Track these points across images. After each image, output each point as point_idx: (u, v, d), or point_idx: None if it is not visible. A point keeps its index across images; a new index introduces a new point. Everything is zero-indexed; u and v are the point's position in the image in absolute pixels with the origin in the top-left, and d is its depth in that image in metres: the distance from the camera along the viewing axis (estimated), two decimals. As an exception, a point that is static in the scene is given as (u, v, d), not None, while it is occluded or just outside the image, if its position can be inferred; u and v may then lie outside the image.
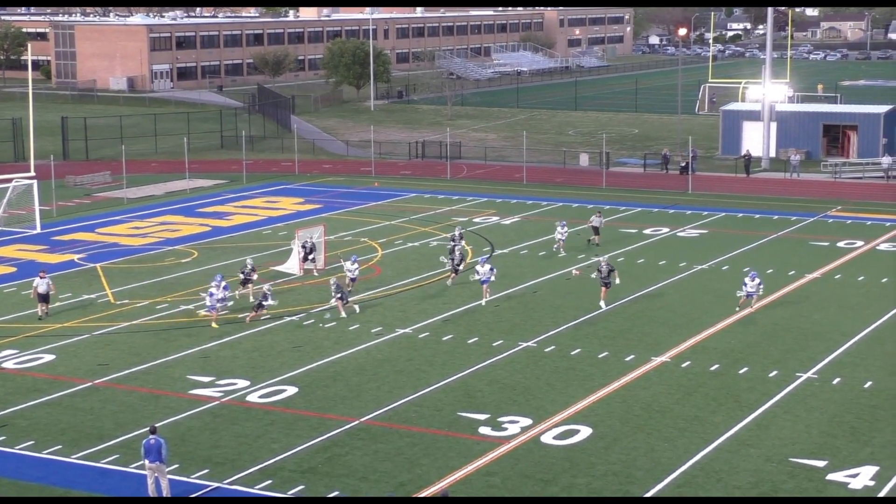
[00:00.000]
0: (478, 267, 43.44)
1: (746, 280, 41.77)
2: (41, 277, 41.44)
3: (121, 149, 73.58)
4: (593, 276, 43.04)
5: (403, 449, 28.96)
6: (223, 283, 41.00)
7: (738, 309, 41.64)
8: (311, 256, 47.87)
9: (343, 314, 41.02)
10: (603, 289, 42.31)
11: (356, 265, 44.44)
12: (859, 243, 53.98)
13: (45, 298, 41.33)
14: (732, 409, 31.73)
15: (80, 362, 36.10)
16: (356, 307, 41.72)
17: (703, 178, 74.32)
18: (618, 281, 42.63)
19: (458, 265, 45.90)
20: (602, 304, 42.25)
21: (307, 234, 48.60)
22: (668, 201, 65.81)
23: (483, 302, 42.58)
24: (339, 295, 41.18)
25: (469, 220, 59.00)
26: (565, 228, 51.58)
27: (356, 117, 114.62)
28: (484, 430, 30.23)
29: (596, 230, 53.15)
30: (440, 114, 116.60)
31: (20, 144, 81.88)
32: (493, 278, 43.12)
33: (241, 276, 43.95)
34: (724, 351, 37.13)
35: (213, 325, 40.04)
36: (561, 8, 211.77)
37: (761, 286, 41.68)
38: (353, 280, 44.16)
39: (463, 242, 49.56)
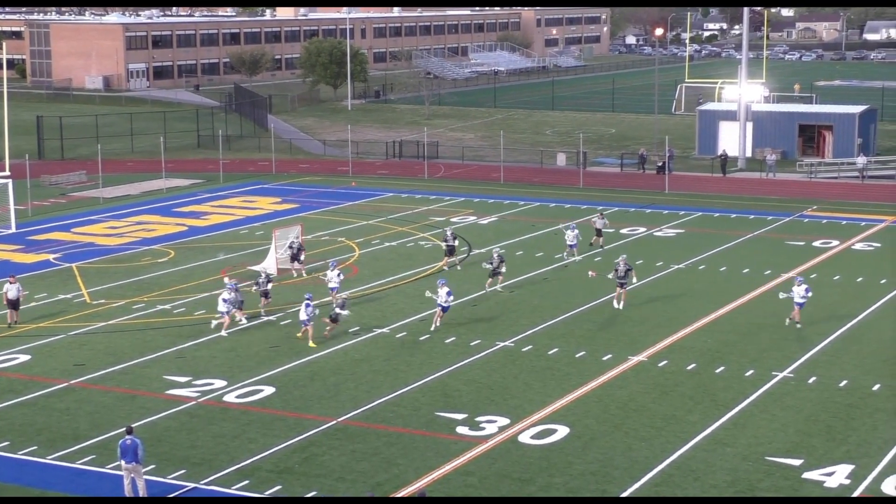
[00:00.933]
0: (438, 289, 39.57)
1: (794, 288, 39.78)
2: (11, 283, 40.46)
3: (97, 148, 73.22)
4: (610, 276, 42.32)
5: (381, 449, 28.94)
6: (237, 288, 40.02)
7: (788, 322, 39.73)
8: (301, 257, 47.26)
9: (242, 320, 39.74)
10: (618, 289, 41.93)
11: (336, 271, 42.36)
12: (835, 243, 54.24)
13: (14, 305, 40.20)
14: (709, 408, 31.84)
15: (56, 362, 35.92)
16: (244, 319, 39.94)
17: (679, 177, 74.52)
18: (634, 280, 42.60)
19: (498, 268, 44.16)
20: (616, 304, 41.76)
21: (286, 234, 48.34)
22: (645, 201, 65.95)
23: (432, 328, 39.23)
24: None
25: (446, 220, 58.97)
26: (576, 232, 49.64)
27: (333, 117, 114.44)
28: (461, 429, 30.23)
29: (598, 232, 52.57)
30: (417, 113, 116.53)
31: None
32: (450, 302, 39.42)
33: (257, 288, 41.61)
34: (701, 350, 37.24)
35: (312, 343, 37.69)
36: (538, 8, 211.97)
37: (809, 292, 39.68)
38: (333, 290, 41.85)
39: (456, 242, 49.50)
